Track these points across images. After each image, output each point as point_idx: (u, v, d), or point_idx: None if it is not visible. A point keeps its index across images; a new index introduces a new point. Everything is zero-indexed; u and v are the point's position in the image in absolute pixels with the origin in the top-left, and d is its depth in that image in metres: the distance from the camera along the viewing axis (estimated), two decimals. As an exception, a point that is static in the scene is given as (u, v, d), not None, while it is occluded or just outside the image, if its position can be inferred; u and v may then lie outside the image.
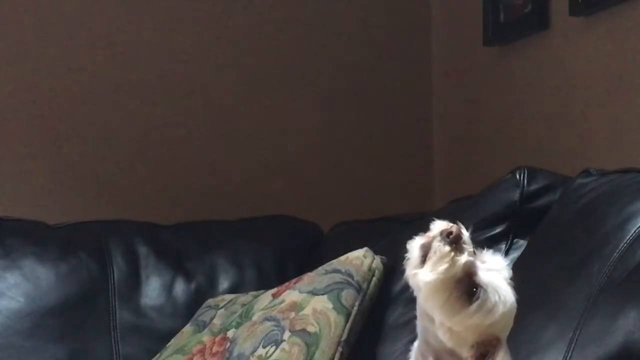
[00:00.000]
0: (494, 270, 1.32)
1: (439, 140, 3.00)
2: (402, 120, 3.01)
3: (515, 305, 1.32)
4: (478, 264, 1.31)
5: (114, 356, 2.28)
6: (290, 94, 2.93)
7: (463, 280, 1.29)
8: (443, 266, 1.28)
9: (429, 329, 1.34)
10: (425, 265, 1.29)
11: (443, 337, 1.32)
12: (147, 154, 2.81)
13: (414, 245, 1.33)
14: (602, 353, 1.48)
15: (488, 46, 2.75)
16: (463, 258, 1.28)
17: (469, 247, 1.30)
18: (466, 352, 1.31)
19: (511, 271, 1.34)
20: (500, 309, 1.30)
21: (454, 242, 1.29)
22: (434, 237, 1.30)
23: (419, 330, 1.38)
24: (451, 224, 1.30)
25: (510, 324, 1.33)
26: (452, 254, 1.28)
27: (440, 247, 1.29)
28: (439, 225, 1.31)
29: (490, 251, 1.35)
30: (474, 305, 1.28)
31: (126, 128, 2.79)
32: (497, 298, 1.30)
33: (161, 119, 2.83)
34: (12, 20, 2.73)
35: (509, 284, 1.32)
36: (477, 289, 1.29)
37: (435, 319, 1.31)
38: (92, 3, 2.79)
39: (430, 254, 1.29)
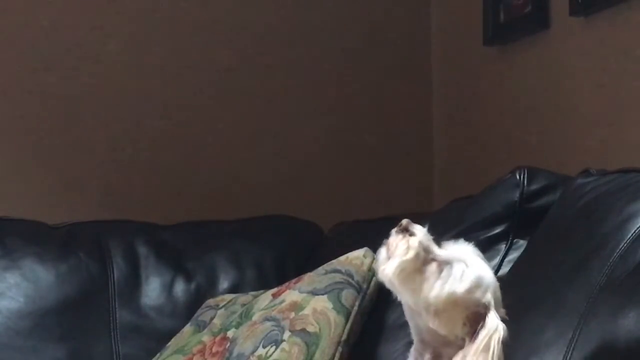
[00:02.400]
0: (457, 248, 1.40)
1: (439, 140, 3.01)
2: (402, 120, 3.01)
3: (487, 270, 1.39)
4: (436, 247, 1.39)
5: (114, 356, 2.28)
6: (290, 94, 2.93)
7: (428, 261, 1.37)
8: (400, 249, 1.37)
9: (420, 324, 1.39)
10: (389, 261, 1.38)
11: (434, 324, 1.36)
12: (147, 155, 2.81)
13: (380, 251, 1.41)
14: (602, 353, 1.48)
15: (488, 46, 2.75)
16: (416, 238, 1.38)
17: (421, 232, 1.39)
18: (460, 332, 1.35)
19: (478, 252, 1.41)
20: (471, 274, 1.36)
21: (405, 230, 1.39)
22: (390, 236, 1.40)
23: (412, 331, 1.42)
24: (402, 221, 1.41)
25: (491, 290, 1.38)
26: (406, 238, 1.38)
27: (395, 238, 1.39)
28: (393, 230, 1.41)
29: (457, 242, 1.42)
30: (443, 275, 1.36)
31: (126, 128, 2.79)
32: (463, 266, 1.37)
33: (161, 120, 2.83)
34: (13, 20, 2.73)
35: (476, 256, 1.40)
36: (442, 266, 1.37)
37: (421, 312, 1.37)
38: (95, 4, 2.79)
39: (391, 248, 1.39)
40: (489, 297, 1.37)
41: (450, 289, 1.35)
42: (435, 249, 1.39)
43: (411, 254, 1.36)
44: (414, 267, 1.36)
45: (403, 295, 1.39)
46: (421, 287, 1.36)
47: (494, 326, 1.35)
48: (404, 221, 1.40)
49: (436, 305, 1.36)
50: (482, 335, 1.34)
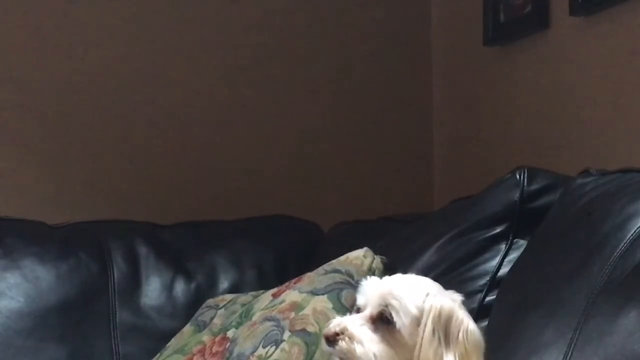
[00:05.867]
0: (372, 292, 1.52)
1: (439, 140, 3.01)
2: (402, 120, 3.01)
3: (406, 279, 1.53)
4: (363, 314, 1.51)
5: (114, 356, 2.28)
6: (290, 94, 2.93)
7: (376, 328, 1.49)
8: (356, 350, 1.48)
9: None
10: None
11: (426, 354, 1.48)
12: (147, 154, 2.81)
13: None
14: (602, 353, 1.48)
15: (488, 46, 2.75)
16: (349, 330, 1.49)
17: (344, 322, 1.50)
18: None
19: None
20: (402, 297, 1.49)
21: (335, 337, 1.50)
22: (334, 352, 1.52)
23: None
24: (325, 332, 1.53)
25: (421, 286, 1.51)
26: (343, 341, 1.49)
27: (339, 348, 1.49)
28: (324, 346, 1.53)
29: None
30: (393, 322, 1.48)
31: (127, 128, 2.79)
32: (394, 299, 1.49)
33: (161, 119, 2.82)
34: (14, 21, 2.73)
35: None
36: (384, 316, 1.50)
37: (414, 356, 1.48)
38: (95, 5, 2.79)
39: (349, 357, 1.50)
40: (423, 292, 1.48)
41: (407, 321, 1.46)
42: (364, 315, 1.50)
43: (366, 345, 1.47)
44: (377, 350, 1.47)
45: None
46: (394, 348, 1.47)
47: (428, 310, 1.46)
48: (325, 334, 1.51)
49: (415, 340, 1.46)
50: (420, 328, 1.46)
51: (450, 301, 1.48)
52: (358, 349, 1.47)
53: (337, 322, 1.50)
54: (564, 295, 1.62)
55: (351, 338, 1.47)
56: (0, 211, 2.48)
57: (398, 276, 1.54)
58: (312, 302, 1.94)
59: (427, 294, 1.48)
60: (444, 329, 1.45)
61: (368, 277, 1.56)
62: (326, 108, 2.96)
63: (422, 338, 1.44)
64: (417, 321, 1.46)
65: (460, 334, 1.45)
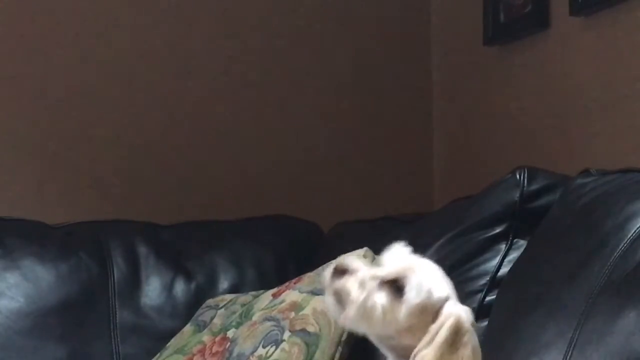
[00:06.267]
0: (395, 257, 1.42)
1: (439, 140, 3.00)
2: (402, 121, 3.01)
3: (433, 266, 1.44)
4: (379, 269, 1.40)
5: (114, 356, 2.28)
6: (290, 94, 2.93)
7: (382, 287, 1.39)
8: (353, 292, 1.38)
9: (393, 344, 1.43)
10: (347, 307, 1.39)
11: (409, 340, 1.40)
12: (147, 154, 2.80)
13: (328, 301, 1.43)
14: (602, 353, 1.48)
15: (488, 46, 2.75)
16: (360, 274, 1.39)
17: (360, 265, 1.40)
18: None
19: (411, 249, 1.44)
20: (426, 278, 1.40)
21: (343, 271, 1.40)
22: (332, 284, 1.41)
23: (385, 352, 1.45)
24: (334, 263, 1.41)
25: (444, 282, 1.43)
26: (350, 278, 1.39)
27: (340, 283, 1.39)
28: (327, 274, 1.41)
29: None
30: (405, 292, 1.38)
31: (126, 128, 2.79)
32: (415, 275, 1.39)
33: (161, 119, 2.82)
34: (14, 21, 2.73)
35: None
36: (396, 284, 1.39)
37: (393, 336, 1.41)
38: (98, 3, 2.79)
39: (343, 295, 1.40)
40: (445, 290, 1.41)
41: (415, 302, 1.38)
42: (380, 271, 1.40)
43: (365, 293, 1.38)
44: (372, 303, 1.38)
45: (371, 330, 1.41)
46: (387, 315, 1.38)
47: (448, 314, 1.38)
48: (338, 264, 1.41)
49: (408, 322, 1.39)
50: (435, 326, 1.38)
51: (466, 315, 1.41)
52: (354, 292, 1.38)
53: (355, 262, 1.42)
54: (563, 295, 1.62)
55: (357, 280, 1.39)
56: (0, 211, 2.48)
57: (428, 261, 1.46)
58: (312, 302, 1.94)
59: (448, 298, 1.41)
60: (452, 339, 1.41)
61: (401, 243, 1.47)
62: (326, 108, 2.96)
63: (434, 339, 1.39)
64: (422, 309, 1.39)
65: (461, 351, 1.41)
